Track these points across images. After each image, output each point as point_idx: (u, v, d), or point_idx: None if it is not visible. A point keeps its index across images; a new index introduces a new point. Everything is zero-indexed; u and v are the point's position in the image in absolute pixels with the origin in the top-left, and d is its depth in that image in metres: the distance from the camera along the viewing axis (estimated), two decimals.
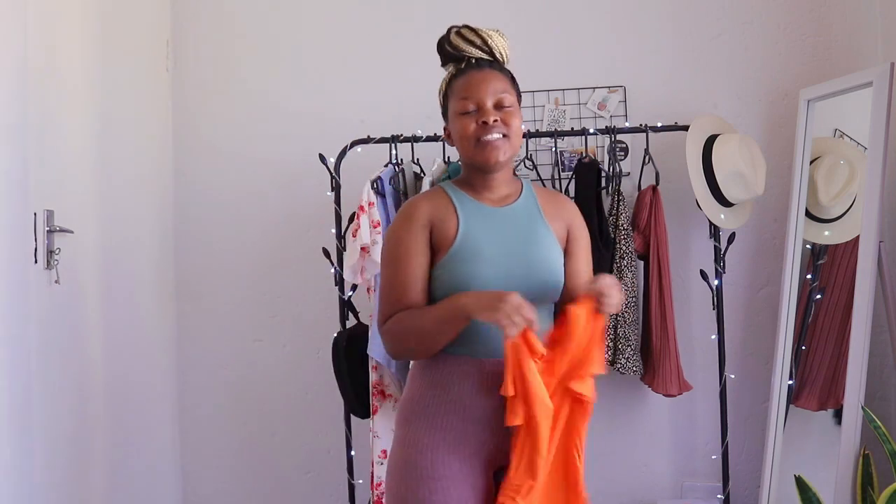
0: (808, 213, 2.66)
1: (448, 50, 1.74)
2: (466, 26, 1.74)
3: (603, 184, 2.68)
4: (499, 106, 1.67)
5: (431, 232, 1.64)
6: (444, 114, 1.76)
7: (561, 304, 1.67)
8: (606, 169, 2.69)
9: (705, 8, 2.92)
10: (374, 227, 2.45)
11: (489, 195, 1.72)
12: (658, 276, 2.59)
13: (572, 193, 2.68)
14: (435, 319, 1.57)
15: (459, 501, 1.58)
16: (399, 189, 2.60)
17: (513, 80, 1.74)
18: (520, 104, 1.74)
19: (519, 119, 1.70)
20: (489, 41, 1.72)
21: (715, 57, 2.90)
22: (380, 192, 2.54)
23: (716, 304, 2.65)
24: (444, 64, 1.77)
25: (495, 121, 1.65)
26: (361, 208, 2.46)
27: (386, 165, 2.62)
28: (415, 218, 1.64)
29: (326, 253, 2.68)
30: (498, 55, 1.74)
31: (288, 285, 3.07)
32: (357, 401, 2.58)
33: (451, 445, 1.61)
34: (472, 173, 1.72)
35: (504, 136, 1.66)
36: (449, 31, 1.75)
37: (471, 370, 1.61)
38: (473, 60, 1.72)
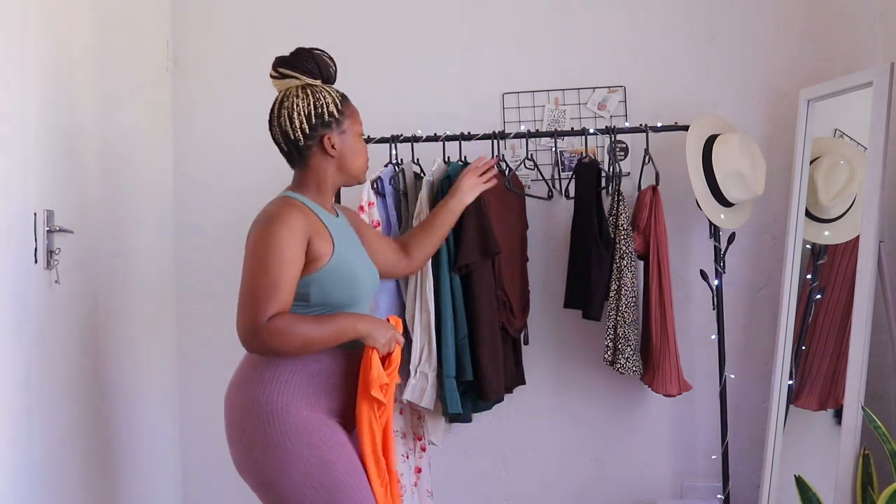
0: (808, 213, 2.66)
1: (330, 70, 1.99)
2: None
3: (603, 184, 2.68)
4: None
5: (308, 244, 1.85)
6: (324, 124, 1.95)
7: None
8: (606, 169, 2.69)
9: (705, 8, 2.92)
10: (375, 227, 2.45)
11: (329, 207, 2.01)
12: (658, 276, 2.59)
13: (572, 193, 2.68)
14: (330, 332, 1.84)
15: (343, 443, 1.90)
16: (399, 189, 2.60)
17: None
18: None
19: None
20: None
21: (715, 57, 2.90)
22: (380, 192, 2.54)
23: (716, 304, 2.65)
24: (306, 73, 1.95)
25: None
26: (361, 208, 2.46)
27: (386, 165, 2.62)
28: (297, 230, 1.83)
29: None
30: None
31: None
32: None
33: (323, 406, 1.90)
34: (333, 185, 2.00)
35: None
36: (324, 53, 2.00)
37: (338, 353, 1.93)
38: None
